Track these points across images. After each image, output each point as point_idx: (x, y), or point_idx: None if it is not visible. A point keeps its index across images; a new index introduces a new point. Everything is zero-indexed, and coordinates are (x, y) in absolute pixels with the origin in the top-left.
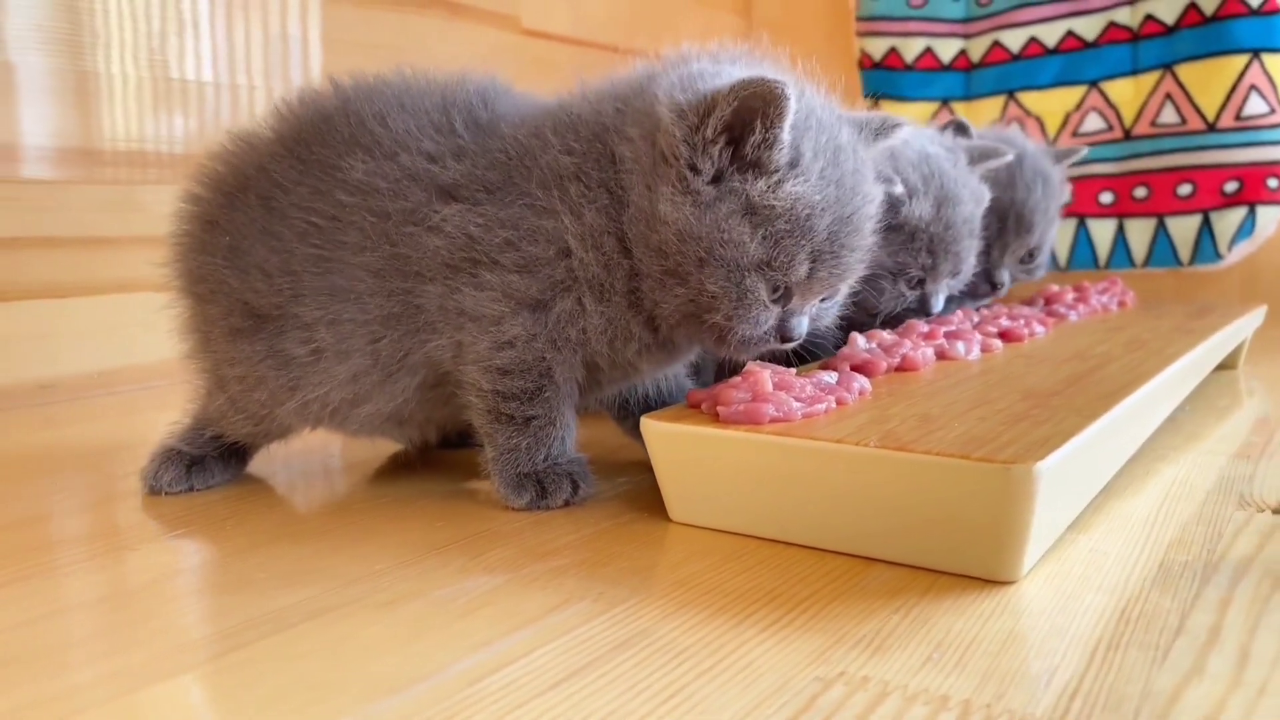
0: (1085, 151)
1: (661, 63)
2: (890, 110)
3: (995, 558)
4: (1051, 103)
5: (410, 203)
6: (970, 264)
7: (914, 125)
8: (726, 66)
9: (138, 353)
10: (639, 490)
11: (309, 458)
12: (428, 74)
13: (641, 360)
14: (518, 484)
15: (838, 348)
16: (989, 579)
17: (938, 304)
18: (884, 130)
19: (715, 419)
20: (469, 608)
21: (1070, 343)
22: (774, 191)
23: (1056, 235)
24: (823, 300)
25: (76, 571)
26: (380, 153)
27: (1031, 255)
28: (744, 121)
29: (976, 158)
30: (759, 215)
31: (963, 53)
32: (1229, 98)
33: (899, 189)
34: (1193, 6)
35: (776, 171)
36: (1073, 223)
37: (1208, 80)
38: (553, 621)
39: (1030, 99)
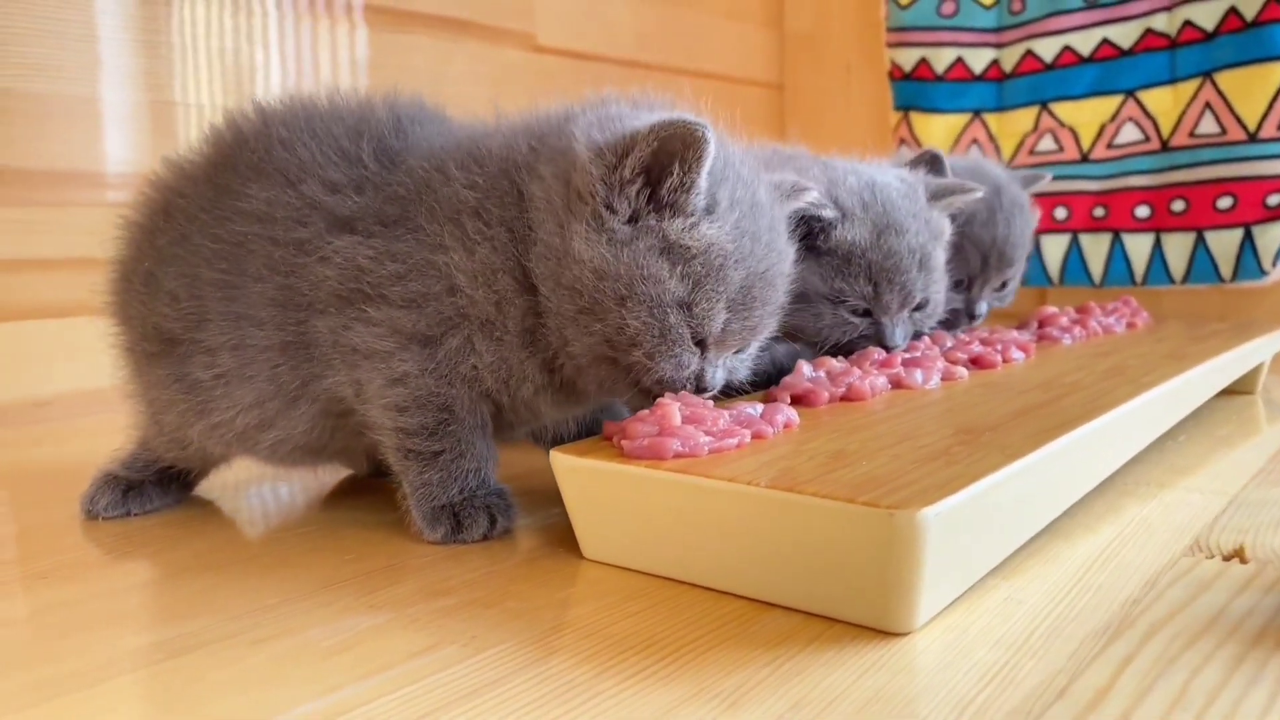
0: (1049, 177)
1: (580, 104)
2: (921, 122)
3: (885, 607)
4: (1086, 113)
5: (306, 233)
6: (937, 300)
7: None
8: (644, 112)
9: None
10: (566, 524)
11: (263, 482)
12: (351, 96)
13: (540, 402)
14: (433, 518)
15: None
16: (882, 629)
17: (893, 337)
18: (793, 194)
19: (622, 453)
20: (336, 649)
21: (1044, 370)
22: (690, 232)
23: (1028, 262)
24: (735, 353)
25: None
26: (283, 180)
27: (1004, 284)
28: (662, 164)
29: (938, 194)
30: (676, 253)
31: (995, 63)
32: (1271, 106)
33: (829, 213)
34: (1233, 11)
35: (693, 214)
36: (1108, 237)
37: (1249, 88)
38: (414, 666)
39: (1064, 110)
